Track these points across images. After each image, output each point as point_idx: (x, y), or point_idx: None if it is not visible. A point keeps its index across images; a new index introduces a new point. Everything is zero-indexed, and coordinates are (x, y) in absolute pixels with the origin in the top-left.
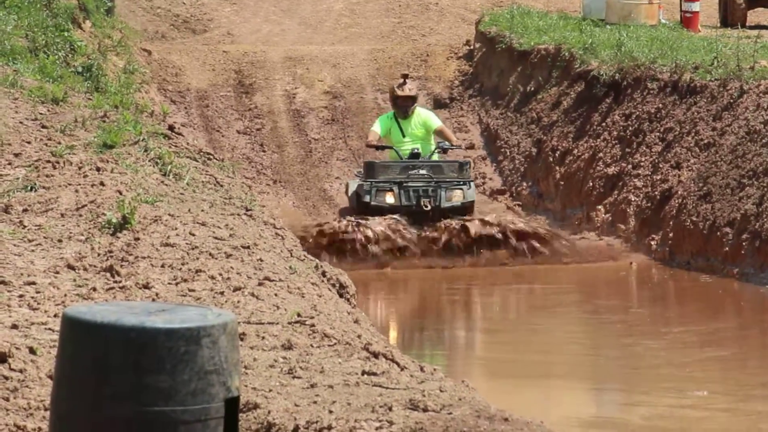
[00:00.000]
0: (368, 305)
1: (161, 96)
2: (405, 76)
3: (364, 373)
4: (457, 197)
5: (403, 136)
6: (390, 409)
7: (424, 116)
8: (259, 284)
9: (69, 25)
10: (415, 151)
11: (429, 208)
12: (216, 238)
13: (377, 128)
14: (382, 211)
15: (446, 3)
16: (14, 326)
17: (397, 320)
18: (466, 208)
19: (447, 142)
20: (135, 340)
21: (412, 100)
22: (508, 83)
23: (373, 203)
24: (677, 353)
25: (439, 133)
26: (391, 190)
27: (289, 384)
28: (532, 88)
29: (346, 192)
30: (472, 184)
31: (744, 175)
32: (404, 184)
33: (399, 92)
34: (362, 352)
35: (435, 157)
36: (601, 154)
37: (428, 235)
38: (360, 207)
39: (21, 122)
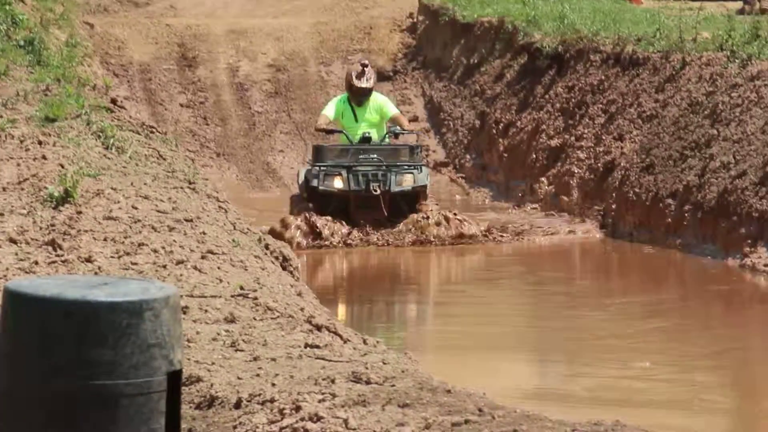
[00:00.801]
0: (314, 280)
1: (104, 69)
2: (364, 66)
3: (307, 345)
4: (407, 182)
5: (356, 121)
6: (333, 381)
7: (380, 102)
8: (202, 257)
9: None
10: (366, 135)
11: (378, 192)
12: (159, 211)
13: (329, 111)
14: (330, 195)
15: None
16: None
17: (342, 294)
18: (417, 193)
19: (398, 127)
20: (77, 314)
21: (369, 91)
22: (452, 56)
23: (321, 188)
24: (620, 324)
25: (393, 120)
26: (340, 174)
27: (231, 357)
28: (476, 61)
29: (297, 179)
30: (424, 168)
31: (686, 146)
32: (353, 169)
33: (356, 83)
34: (305, 325)
35: (387, 142)
36: (544, 127)
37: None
38: (308, 192)
39: None
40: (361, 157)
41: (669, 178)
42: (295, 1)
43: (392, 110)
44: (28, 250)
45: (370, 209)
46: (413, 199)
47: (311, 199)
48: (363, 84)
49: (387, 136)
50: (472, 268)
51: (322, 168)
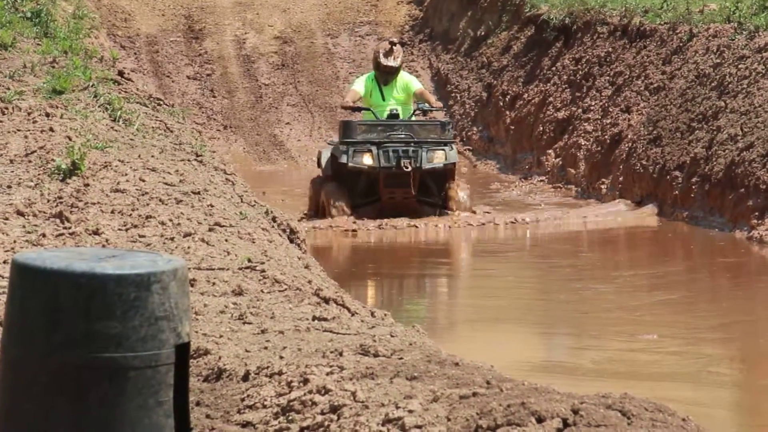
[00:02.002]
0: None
1: (111, 41)
2: (393, 44)
3: (314, 318)
4: (438, 158)
5: (383, 100)
6: (341, 354)
7: (406, 80)
8: (210, 230)
9: None
10: (394, 112)
11: (410, 169)
12: (166, 183)
13: (359, 87)
14: (359, 173)
15: None
16: None
17: (351, 269)
18: (448, 170)
19: (426, 104)
20: (85, 286)
21: (397, 70)
22: (459, 28)
23: (350, 164)
24: (627, 297)
25: (418, 95)
26: (370, 151)
27: (239, 330)
28: (483, 33)
29: (318, 162)
30: (453, 145)
31: (693, 118)
32: (383, 145)
33: (384, 62)
34: (313, 298)
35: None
36: (551, 99)
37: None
38: (336, 170)
39: None
40: (390, 133)
41: (676, 151)
42: None
43: (416, 85)
44: (36, 223)
45: (399, 187)
46: (443, 177)
47: (338, 176)
48: (390, 62)
49: (414, 113)
50: (477, 240)
51: (351, 144)
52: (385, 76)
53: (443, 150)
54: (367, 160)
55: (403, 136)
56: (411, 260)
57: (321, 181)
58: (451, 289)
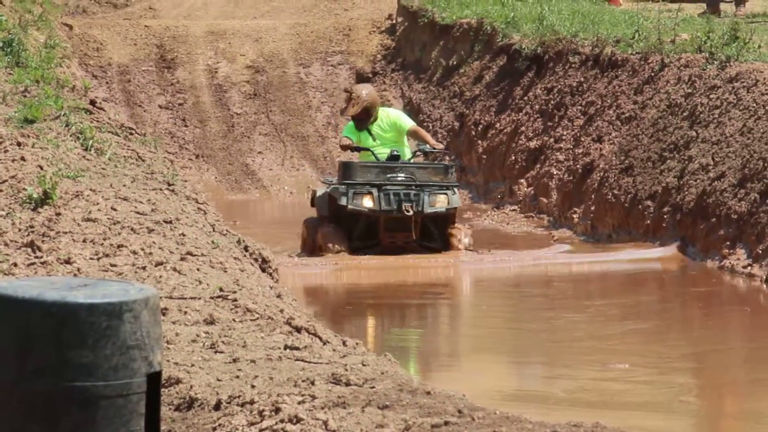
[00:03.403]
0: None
1: (82, 71)
2: (348, 91)
3: (286, 347)
4: (441, 203)
5: (374, 141)
6: (312, 383)
7: (393, 117)
8: (182, 259)
9: None
10: (394, 153)
11: (411, 213)
12: (138, 212)
13: (349, 134)
14: (359, 215)
15: None
16: None
17: (329, 302)
18: (449, 215)
19: (427, 145)
20: (56, 315)
21: (365, 112)
22: (431, 57)
23: (350, 207)
24: (599, 326)
25: (413, 134)
26: (370, 193)
27: (211, 359)
28: (455, 62)
29: (312, 201)
30: (456, 189)
31: (665, 148)
32: (384, 187)
33: (346, 114)
34: (285, 327)
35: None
36: (523, 128)
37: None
38: (334, 211)
39: None
40: (391, 175)
41: (648, 180)
42: (273, 2)
43: (408, 123)
44: (7, 252)
45: (399, 231)
46: (444, 221)
47: (336, 218)
48: (350, 112)
49: (415, 154)
50: (448, 268)
51: (351, 186)
52: (358, 123)
53: (446, 194)
54: (368, 202)
55: (403, 178)
56: (385, 289)
57: (316, 222)
58: (424, 319)
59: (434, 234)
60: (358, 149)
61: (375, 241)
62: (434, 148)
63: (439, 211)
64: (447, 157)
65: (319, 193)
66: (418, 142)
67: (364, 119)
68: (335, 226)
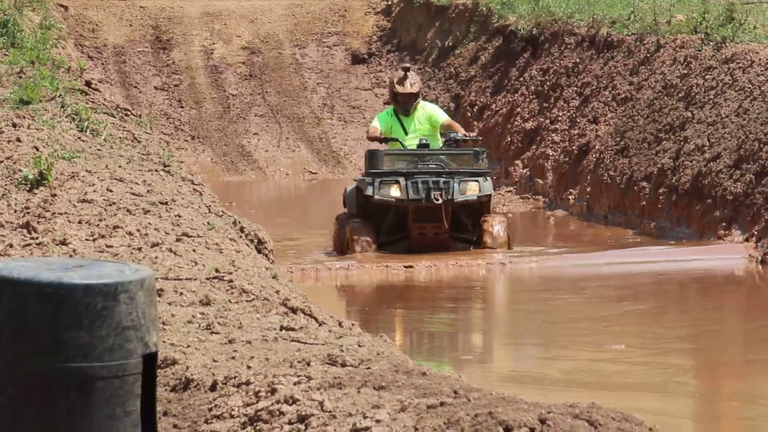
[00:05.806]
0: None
1: (78, 52)
2: (406, 69)
3: (282, 328)
4: (472, 190)
5: (406, 134)
6: (308, 364)
7: (429, 110)
8: (177, 240)
9: None
10: (423, 141)
11: (440, 201)
12: (133, 194)
13: (379, 124)
14: (386, 206)
15: None
16: None
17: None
18: (482, 204)
19: (458, 133)
20: (52, 296)
21: (415, 96)
22: (426, 39)
23: (376, 197)
24: (595, 307)
25: (446, 127)
26: (397, 182)
27: (207, 339)
28: (450, 44)
29: (344, 201)
30: (488, 176)
31: (660, 129)
32: (412, 176)
33: (399, 89)
34: (280, 308)
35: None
36: (519, 109)
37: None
38: (360, 202)
39: None
40: (420, 164)
41: (643, 161)
42: None
43: (442, 117)
44: (3, 233)
45: (429, 221)
46: (477, 210)
47: (364, 210)
48: (407, 89)
49: (445, 143)
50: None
51: (377, 176)
52: (404, 105)
53: (477, 181)
54: (395, 192)
55: (433, 166)
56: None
57: (346, 218)
58: (425, 301)
59: (467, 224)
60: (386, 140)
61: (404, 234)
62: (466, 136)
63: (470, 199)
64: (478, 143)
65: (348, 189)
66: (445, 132)
67: (410, 102)
68: (363, 219)
